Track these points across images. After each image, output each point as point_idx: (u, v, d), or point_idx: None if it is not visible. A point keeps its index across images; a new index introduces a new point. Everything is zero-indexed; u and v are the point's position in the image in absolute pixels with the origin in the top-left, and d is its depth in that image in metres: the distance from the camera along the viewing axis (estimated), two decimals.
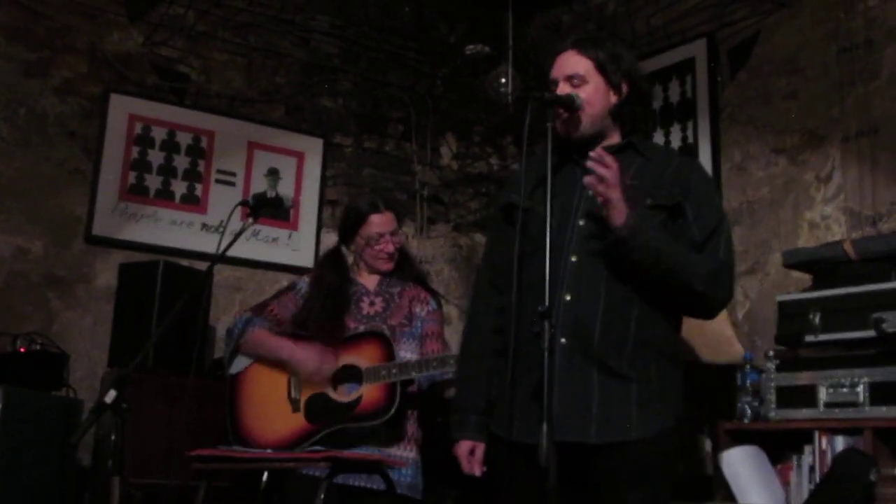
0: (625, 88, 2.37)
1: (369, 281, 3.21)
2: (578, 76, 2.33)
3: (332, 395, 2.97)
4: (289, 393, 3.01)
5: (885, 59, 3.65)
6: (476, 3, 5.21)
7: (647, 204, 2.28)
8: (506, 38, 4.73)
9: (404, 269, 3.24)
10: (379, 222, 3.14)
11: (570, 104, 2.30)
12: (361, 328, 3.05)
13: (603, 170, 2.14)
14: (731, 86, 4.17)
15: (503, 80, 4.62)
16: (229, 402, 3.06)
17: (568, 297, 2.23)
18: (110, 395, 2.62)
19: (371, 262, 3.18)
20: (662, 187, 2.31)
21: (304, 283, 3.24)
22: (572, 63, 2.35)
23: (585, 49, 2.36)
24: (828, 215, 3.74)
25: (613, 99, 2.36)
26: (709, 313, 2.38)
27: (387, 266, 3.18)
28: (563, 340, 2.21)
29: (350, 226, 3.20)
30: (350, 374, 2.98)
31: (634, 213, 2.20)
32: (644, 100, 2.42)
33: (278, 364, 3.03)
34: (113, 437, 3.26)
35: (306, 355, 2.97)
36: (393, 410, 2.87)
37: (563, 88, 2.33)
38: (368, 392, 2.92)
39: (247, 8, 4.61)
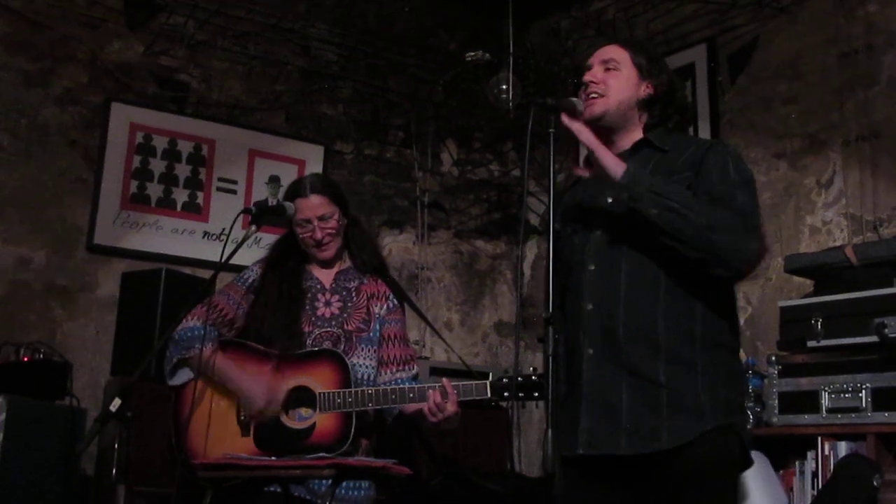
0: (657, 87, 2.37)
1: (325, 275, 3.01)
2: (614, 61, 2.36)
3: (284, 420, 2.78)
4: (238, 414, 2.82)
5: (885, 63, 3.66)
6: (475, 9, 5.23)
7: None
8: (505, 44, 4.74)
9: (363, 256, 3.03)
10: (304, 207, 2.90)
11: (573, 110, 2.31)
12: (316, 332, 2.89)
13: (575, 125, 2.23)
14: (732, 91, 4.18)
15: (504, 87, 4.63)
16: (173, 415, 2.83)
17: (590, 307, 2.22)
18: (115, 404, 2.61)
19: (307, 251, 2.98)
20: (675, 174, 2.26)
21: (253, 272, 3.04)
22: (611, 51, 2.39)
23: (626, 44, 2.43)
24: (829, 220, 3.74)
25: (644, 92, 2.36)
26: (735, 269, 2.15)
27: (323, 254, 2.96)
28: (590, 351, 2.20)
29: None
30: (303, 398, 2.79)
31: (632, 165, 2.22)
32: (673, 98, 2.40)
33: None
34: (117, 446, 3.27)
35: (255, 391, 2.77)
36: (348, 444, 2.70)
37: (596, 72, 2.35)
38: (322, 420, 2.74)
39: (246, 17, 4.62)
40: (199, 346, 2.81)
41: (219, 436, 2.79)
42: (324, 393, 2.76)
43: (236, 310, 2.97)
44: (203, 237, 4.42)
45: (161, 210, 4.35)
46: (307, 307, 2.94)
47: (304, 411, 2.80)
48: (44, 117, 4.14)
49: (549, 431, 1.97)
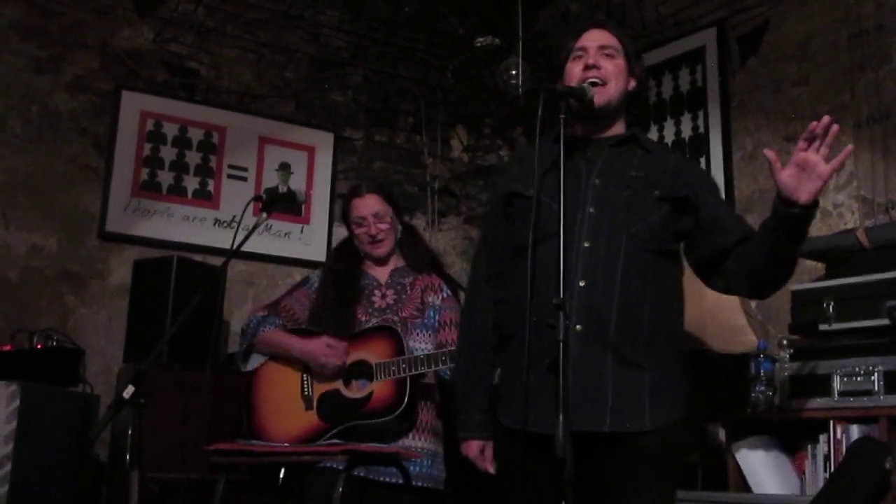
0: (637, 81, 2.41)
1: (381, 273, 3.18)
2: (612, 48, 2.36)
3: (344, 391, 2.97)
4: (302, 391, 3.02)
5: (895, 44, 3.63)
6: None
7: (656, 195, 2.28)
8: (515, 29, 4.73)
9: (415, 256, 3.22)
10: (360, 205, 3.12)
11: (582, 96, 2.30)
12: (373, 321, 3.05)
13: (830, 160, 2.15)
14: (742, 73, 4.16)
15: (513, 72, 4.61)
16: (245, 400, 3.07)
17: (582, 283, 2.20)
18: (128, 391, 2.63)
19: (362, 249, 3.16)
20: (666, 180, 2.32)
21: (316, 276, 3.25)
22: (606, 37, 2.38)
23: (616, 31, 2.42)
24: (840, 203, 3.72)
25: (630, 85, 2.39)
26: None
27: (378, 251, 3.14)
28: (578, 327, 2.18)
29: (343, 214, 3.22)
30: (361, 370, 2.98)
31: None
32: (644, 99, 2.49)
33: (292, 362, 3.04)
34: (130, 433, 3.28)
35: (316, 347, 2.97)
36: (403, 406, 2.87)
37: (594, 56, 2.34)
38: (379, 388, 2.92)
39: (256, 3, 4.63)
40: (265, 328, 3.06)
41: (285, 412, 2.99)
42: (379, 363, 2.93)
43: (303, 311, 3.15)
44: (214, 224, 4.44)
45: (172, 197, 4.36)
46: (364, 301, 3.10)
47: (361, 383, 2.97)
48: (55, 104, 4.16)
49: (561, 418, 1.97)
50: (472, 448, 2.38)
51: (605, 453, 2.20)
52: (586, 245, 2.23)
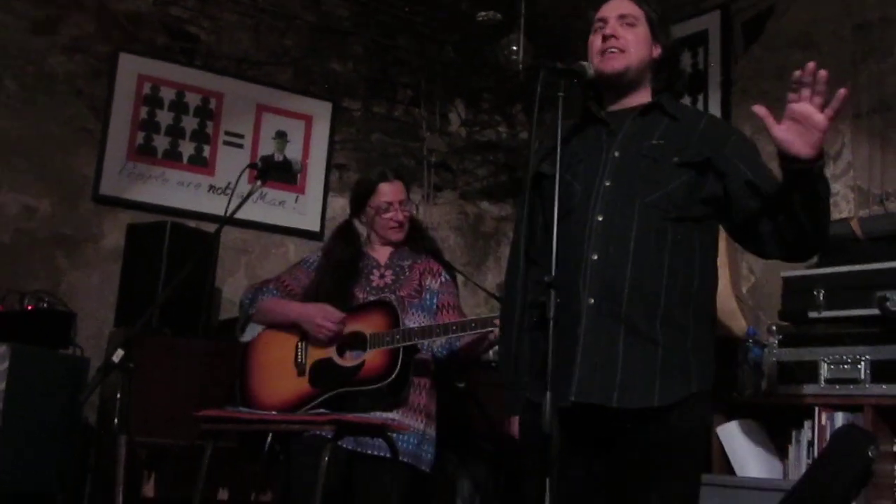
0: (663, 49, 2.38)
1: (381, 254, 3.24)
2: (632, 17, 2.34)
3: (337, 360, 3.03)
4: (296, 358, 3.06)
5: None
6: None
7: (675, 162, 2.24)
8: (518, 5, 4.69)
9: (417, 241, 3.28)
10: (388, 191, 3.19)
11: (582, 73, 2.29)
12: (371, 298, 3.08)
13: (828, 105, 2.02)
14: (744, 59, 4.14)
15: (514, 48, 4.59)
16: (240, 367, 3.12)
17: (595, 257, 2.19)
18: (118, 355, 2.64)
19: (382, 233, 3.22)
20: (690, 146, 2.26)
21: (315, 256, 3.29)
22: (626, 6, 2.36)
23: (639, 0, 2.39)
24: (836, 192, 3.72)
25: (655, 53, 2.36)
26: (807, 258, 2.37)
27: (397, 236, 3.22)
28: (590, 301, 2.18)
29: (360, 196, 3.25)
30: (356, 341, 3.03)
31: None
32: (676, 64, 2.44)
33: (289, 330, 3.08)
34: (119, 397, 3.30)
35: (315, 310, 3.03)
36: (393, 375, 2.92)
37: (615, 26, 2.32)
38: (371, 358, 2.98)
39: None
40: (263, 298, 3.12)
41: (277, 379, 3.06)
42: (373, 333, 2.99)
43: (301, 288, 3.19)
44: (209, 190, 4.42)
45: (167, 162, 4.34)
46: (362, 280, 3.16)
47: (355, 353, 3.03)
48: (51, 66, 4.12)
49: (549, 394, 1.98)
50: (516, 424, 2.41)
51: (620, 428, 2.18)
52: (600, 219, 2.22)
